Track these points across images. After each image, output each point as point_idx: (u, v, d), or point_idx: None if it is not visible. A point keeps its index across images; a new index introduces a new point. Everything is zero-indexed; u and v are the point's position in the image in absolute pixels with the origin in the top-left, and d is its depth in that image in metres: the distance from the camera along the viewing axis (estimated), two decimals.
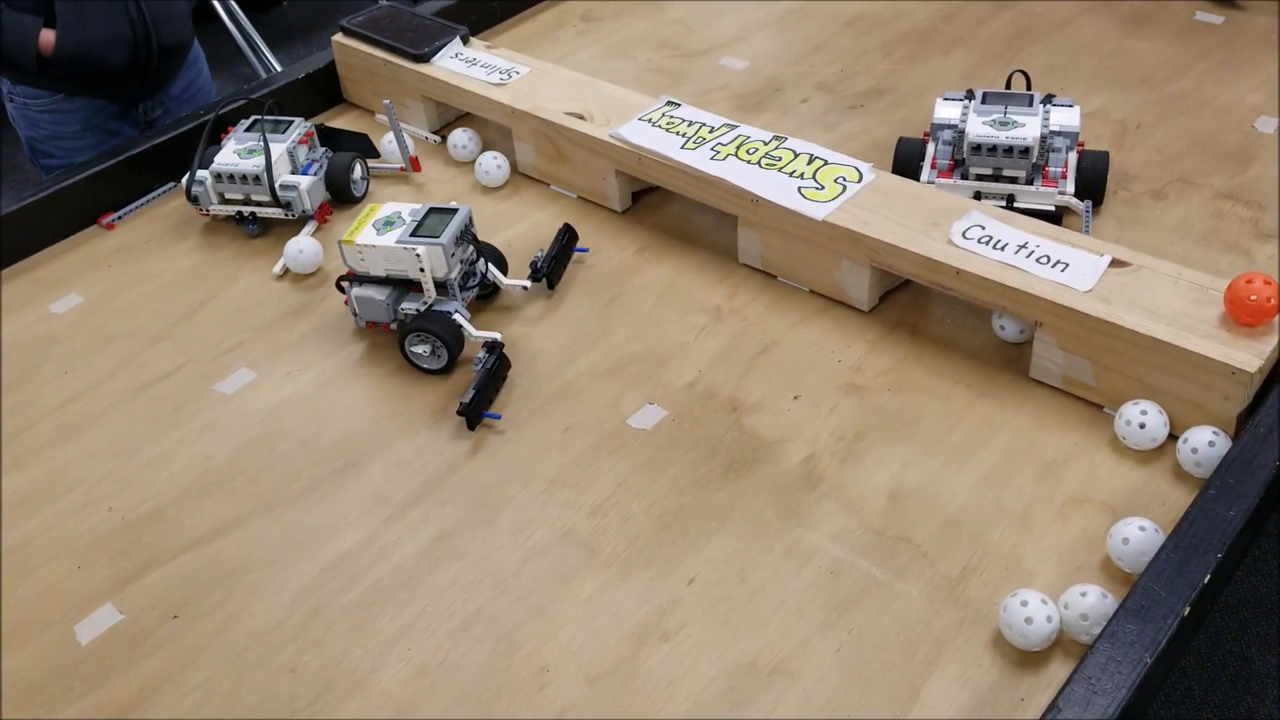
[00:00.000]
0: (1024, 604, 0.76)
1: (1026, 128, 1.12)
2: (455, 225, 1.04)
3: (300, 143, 1.24)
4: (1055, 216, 1.11)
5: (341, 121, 1.45)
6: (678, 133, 1.19)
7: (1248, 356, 0.87)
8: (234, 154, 1.22)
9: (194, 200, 1.23)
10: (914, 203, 1.05)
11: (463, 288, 1.07)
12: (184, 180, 1.23)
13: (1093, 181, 1.14)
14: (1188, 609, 0.72)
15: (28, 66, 1.61)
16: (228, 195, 1.22)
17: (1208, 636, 1.59)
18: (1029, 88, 1.21)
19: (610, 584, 0.85)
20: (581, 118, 1.23)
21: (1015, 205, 1.12)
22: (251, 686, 0.80)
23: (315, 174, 1.24)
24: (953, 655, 0.78)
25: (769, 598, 0.83)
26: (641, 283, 1.14)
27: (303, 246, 1.17)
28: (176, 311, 1.16)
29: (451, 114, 1.39)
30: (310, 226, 1.23)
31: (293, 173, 1.23)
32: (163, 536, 0.92)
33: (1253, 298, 0.88)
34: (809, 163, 1.12)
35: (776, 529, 0.88)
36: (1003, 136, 1.11)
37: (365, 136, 1.30)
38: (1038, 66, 1.40)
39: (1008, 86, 1.24)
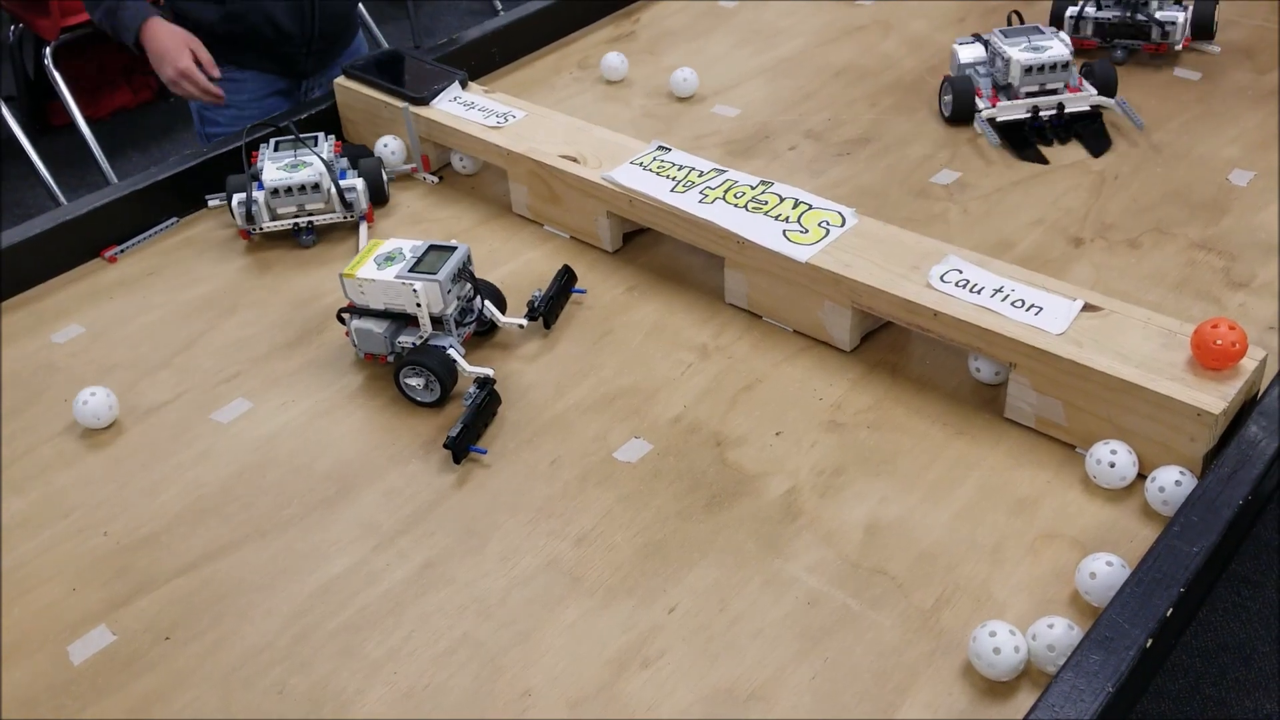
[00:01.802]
0: (993, 634, 0.78)
1: (1056, 47, 1.38)
2: (453, 263, 1.07)
3: (334, 152, 1.33)
4: (1096, 115, 1.39)
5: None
6: (668, 176, 1.22)
7: (1213, 399, 0.90)
8: (279, 170, 1.27)
9: (250, 219, 1.28)
10: (894, 247, 1.09)
11: (459, 323, 1.10)
12: (233, 203, 1.28)
13: (1107, 82, 1.41)
14: (1150, 640, 0.75)
15: (208, 17, 1.66)
16: (280, 211, 1.28)
17: (1187, 682, 1.61)
18: (1022, 22, 1.49)
19: (593, 611, 0.87)
20: (575, 160, 1.27)
21: (1067, 111, 1.38)
22: (240, 707, 0.82)
23: (356, 178, 1.31)
24: (924, 684, 0.80)
25: (747, 626, 0.85)
26: (631, 320, 1.18)
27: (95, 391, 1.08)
28: (176, 342, 1.18)
29: (449, 155, 1.43)
30: (364, 228, 1.31)
31: (334, 179, 1.30)
32: (156, 560, 0.94)
33: (1218, 342, 0.91)
34: (794, 207, 1.16)
35: (756, 560, 0.90)
36: (1045, 56, 1.36)
37: (363, 146, 1.41)
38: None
39: (1009, 23, 1.51)
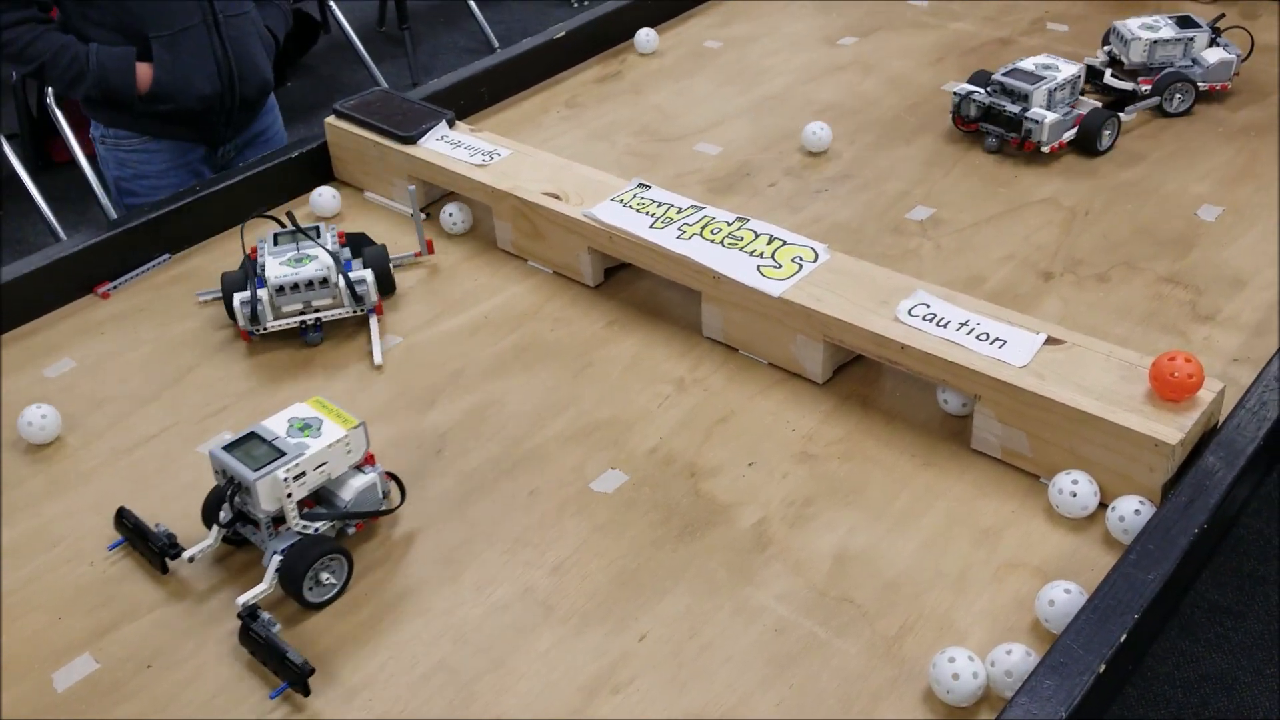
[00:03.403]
0: (952, 661, 0.80)
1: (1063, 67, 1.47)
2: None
3: (338, 243, 1.26)
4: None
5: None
6: (647, 213, 1.25)
7: (1170, 430, 0.92)
8: (283, 266, 1.20)
9: (254, 320, 1.19)
10: (865, 282, 1.12)
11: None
12: (235, 303, 1.20)
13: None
14: (1104, 666, 0.76)
15: (128, 99, 1.71)
16: (285, 308, 1.21)
17: (1169, 712, 1.62)
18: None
19: (566, 639, 0.89)
20: (557, 197, 1.30)
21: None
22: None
23: (359, 269, 1.24)
24: (886, 710, 0.82)
25: (716, 653, 0.87)
26: (610, 354, 1.20)
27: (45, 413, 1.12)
28: (165, 377, 1.21)
29: (437, 192, 1.46)
30: (375, 322, 1.23)
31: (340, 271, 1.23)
32: (140, 590, 0.96)
33: (1175, 374, 0.93)
34: (769, 243, 1.19)
35: (727, 588, 0.92)
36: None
37: (363, 234, 1.30)
38: (995, 155, 1.48)
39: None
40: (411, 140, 1.43)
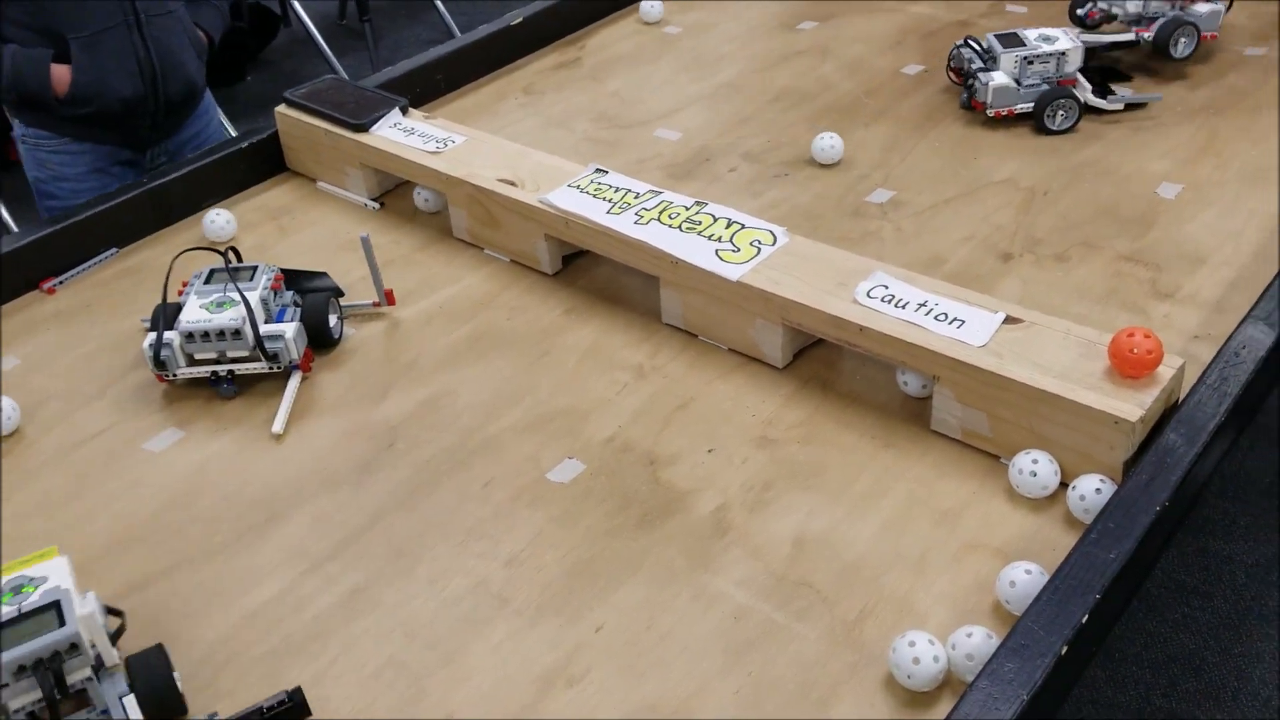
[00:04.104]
0: (912, 645, 0.79)
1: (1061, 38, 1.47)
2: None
3: (271, 288, 1.14)
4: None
5: (284, 190, 1.49)
6: (604, 198, 1.23)
7: (1130, 407, 0.91)
8: (201, 309, 1.11)
9: (160, 365, 1.10)
10: (823, 264, 1.10)
11: None
12: (145, 345, 1.10)
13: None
14: (1065, 648, 0.75)
15: (45, 102, 1.66)
16: (198, 356, 1.11)
17: (1137, 693, 1.62)
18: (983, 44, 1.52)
19: (520, 631, 0.87)
20: (513, 184, 1.28)
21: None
22: None
23: (292, 320, 1.13)
24: (846, 696, 0.80)
25: (673, 642, 0.85)
26: (567, 342, 1.18)
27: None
28: (111, 373, 1.18)
29: (390, 181, 1.44)
30: (296, 379, 1.12)
31: (268, 321, 1.12)
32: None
33: (1134, 351, 0.92)
34: (727, 227, 1.17)
35: (685, 576, 0.91)
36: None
37: (324, 274, 1.20)
38: (954, 137, 1.47)
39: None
40: (363, 128, 1.40)
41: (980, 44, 1.50)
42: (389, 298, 1.23)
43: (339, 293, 1.21)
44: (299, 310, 1.16)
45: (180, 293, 1.16)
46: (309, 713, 0.80)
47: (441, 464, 1.03)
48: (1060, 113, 1.44)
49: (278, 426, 1.08)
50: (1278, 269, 1.10)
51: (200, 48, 1.81)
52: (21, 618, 0.78)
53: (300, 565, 0.94)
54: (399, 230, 1.38)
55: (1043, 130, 1.45)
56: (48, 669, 0.77)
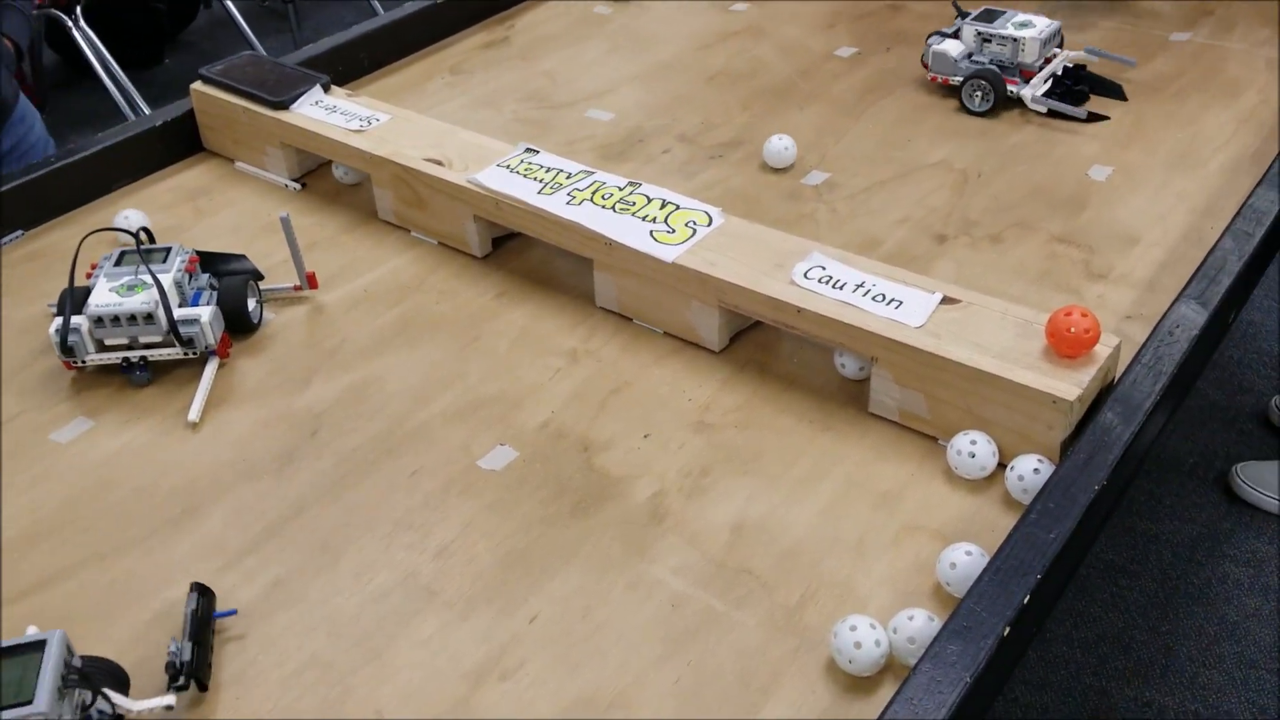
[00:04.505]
0: (853, 629, 0.77)
1: (1038, 21, 1.46)
2: (49, 674, 0.70)
3: (186, 270, 1.09)
4: (1080, 70, 1.48)
5: (201, 170, 1.43)
6: (535, 178, 1.20)
7: (1068, 386, 0.91)
8: (111, 293, 1.05)
9: (68, 352, 1.05)
10: (760, 245, 1.08)
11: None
12: (52, 331, 1.05)
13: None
14: (1007, 629, 0.74)
15: None
16: (108, 341, 1.06)
17: (1068, 673, 1.64)
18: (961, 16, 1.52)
19: (451, 625, 0.84)
20: (440, 163, 1.24)
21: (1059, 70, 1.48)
22: None
23: (208, 303, 1.09)
24: (787, 683, 0.79)
25: (609, 632, 0.83)
26: (498, 326, 1.15)
27: None
28: (14, 361, 1.12)
29: (312, 161, 1.39)
30: (213, 365, 1.08)
31: (182, 305, 1.07)
32: None
33: (1072, 330, 0.92)
34: (661, 207, 1.14)
35: (620, 564, 0.88)
36: (1044, 29, 1.45)
37: (243, 256, 1.16)
38: (888, 119, 1.46)
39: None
40: (283, 105, 1.35)
41: (967, 13, 1.52)
42: (311, 280, 1.18)
43: (258, 275, 1.16)
44: (215, 294, 1.11)
45: (89, 276, 1.11)
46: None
47: (367, 453, 0.99)
48: (979, 94, 1.44)
49: (194, 415, 1.03)
50: (1207, 250, 1.11)
51: (7, 57, 1.72)
52: None
53: (218, 560, 0.90)
54: (322, 212, 1.33)
55: (962, 108, 1.45)
56: None
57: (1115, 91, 1.47)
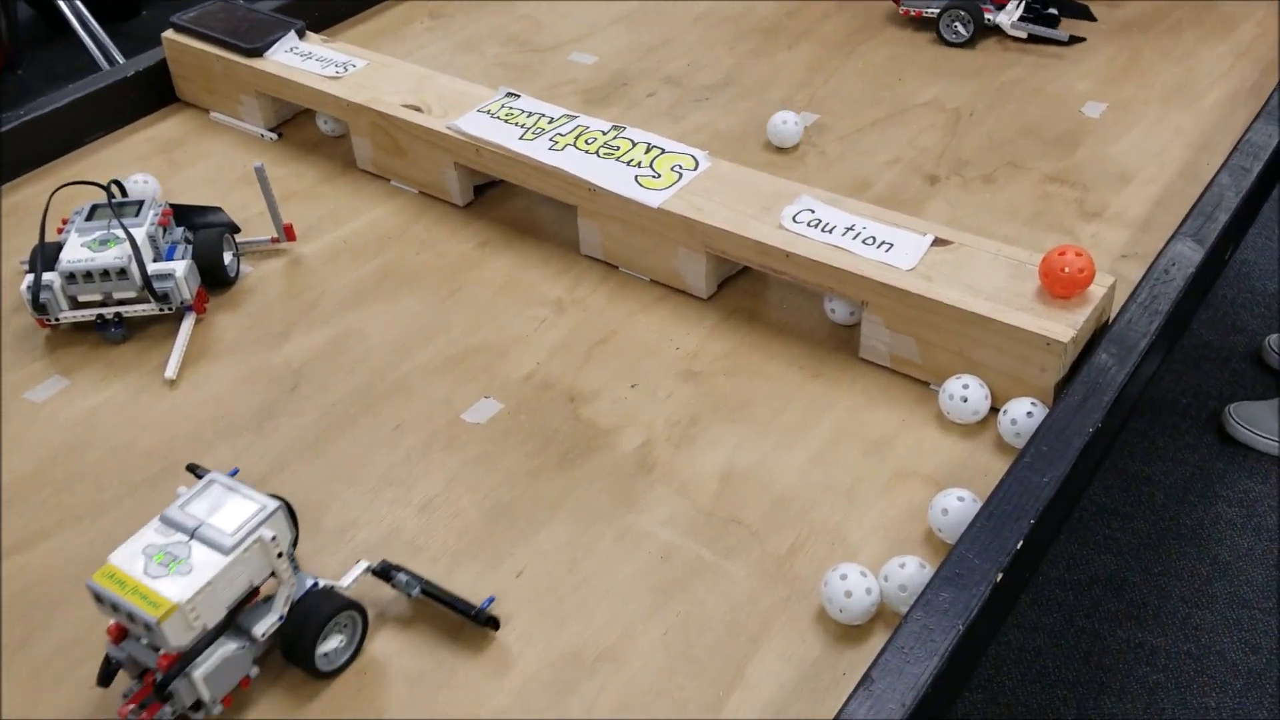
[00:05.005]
0: (844, 578, 0.76)
1: None
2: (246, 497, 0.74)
3: (160, 224, 1.06)
4: None
5: (175, 121, 1.39)
6: (516, 124, 1.17)
7: (1062, 327, 0.89)
8: (83, 248, 1.02)
9: (41, 309, 1.02)
10: (747, 189, 1.06)
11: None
12: (23, 288, 1.02)
13: None
14: (1000, 575, 0.73)
15: None
16: (81, 298, 1.03)
17: (1061, 615, 1.64)
18: None
19: (437, 580, 0.82)
20: (419, 110, 1.21)
21: None
22: (48, 706, 0.76)
23: (183, 257, 1.06)
24: (778, 632, 0.77)
25: (597, 585, 0.82)
26: (481, 276, 1.12)
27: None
28: None
29: (288, 110, 1.35)
30: (189, 321, 1.05)
31: (156, 259, 1.04)
32: None
33: (1066, 270, 0.90)
34: (646, 151, 1.12)
35: (608, 516, 0.87)
36: None
37: (218, 209, 1.13)
38: (878, 59, 1.43)
39: None
40: (257, 53, 1.31)
41: None
42: (288, 232, 1.15)
43: (234, 228, 1.13)
44: (190, 248, 1.08)
45: (60, 231, 1.08)
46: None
47: (349, 407, 0.98)
48: (958, 24, 1.41)
49: (170, 372, 1.01)
50: (1203, 187, 1.08)
51: None
52: None
53: None
54: (300, 162, 1.30)
55: (940, 40, 1.42)
56: None
57: (1083, 12, 1.44)
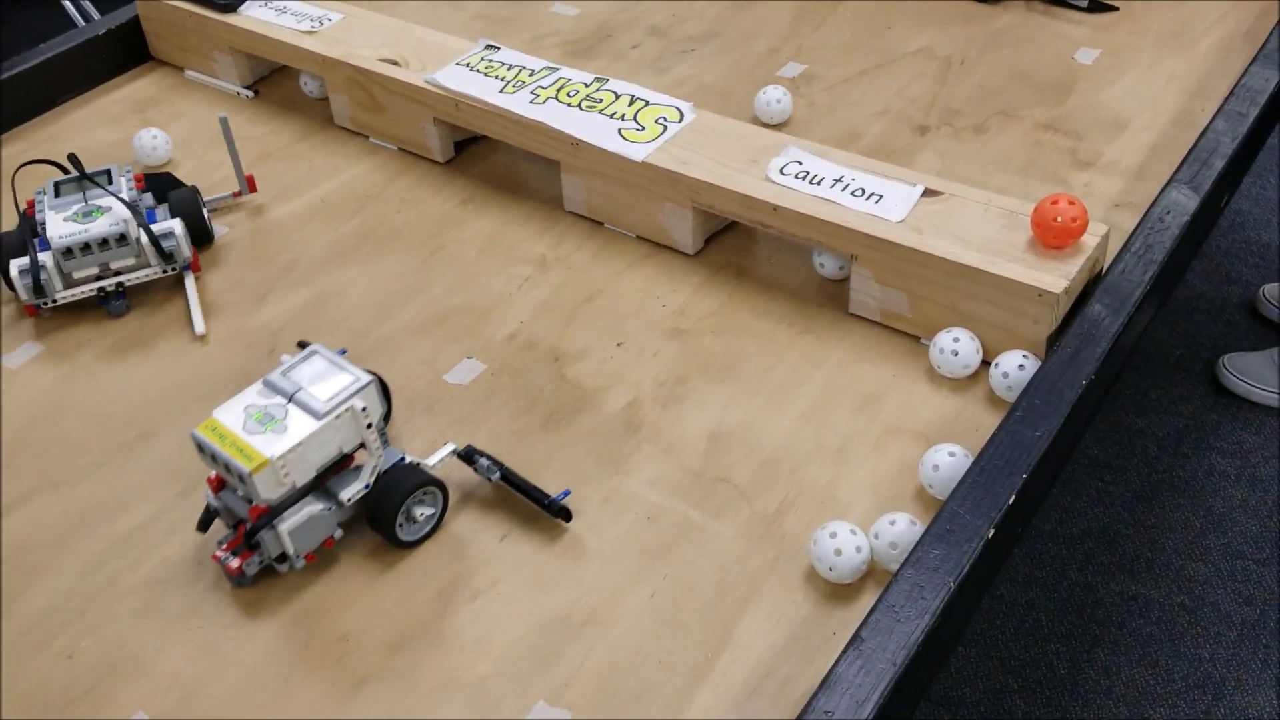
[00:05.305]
0: (833, 536, 0.75)
1: None
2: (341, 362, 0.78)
3: (136, 189, 1.04)
4: None
5: (149, 80, 1.36)
6: (497, 77, 1.14)
7: (1054, 279, 0.87)
8: (68, 223, 0.98)
9: (39, 292, 0.98)
10: (733, 141, 1.03)
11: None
12: (15, 275, 0.98)
13: None
14: (992, 531, 0.72)
15: None
16: (77, 274, 0.99)
17: (1054, 568, 1.63)
18: None
19: (421, 545, 0.81)
20: (396, 64, 1.18)
21: None
22: (24, 675, 0.74)
23: (166, 217, 1.03)
24: (766, 593, 0.76)
25: (584, 548, 0.80)
26: (463, 235, 1.10)
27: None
28: None
29: (264, 67, 1.32)
30: (190, 279, 1.03)
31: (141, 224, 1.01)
32: None
33: (1058, 219, 0.88)
34: (630, 104, 1.09)
35: (595, 477, 0.85)
36: None
37: (168, 174, 1.10)
38: (868, 8, 1.39)
39: None
40: (231, 8, 1.28)
41: None
42: (250, 184, 1.12)
43: (195, 190, 1.10)
44: (167, 209, 1.05)
45: (29, 215, 1.03)
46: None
47: None
48: None
49: (199, 328, 0.99)
50: (1198, 133, 1.06)
51: None
52: None
53: (175, 486, 0.86)
54: (277, 120, 1.27)
55: None
56: None
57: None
